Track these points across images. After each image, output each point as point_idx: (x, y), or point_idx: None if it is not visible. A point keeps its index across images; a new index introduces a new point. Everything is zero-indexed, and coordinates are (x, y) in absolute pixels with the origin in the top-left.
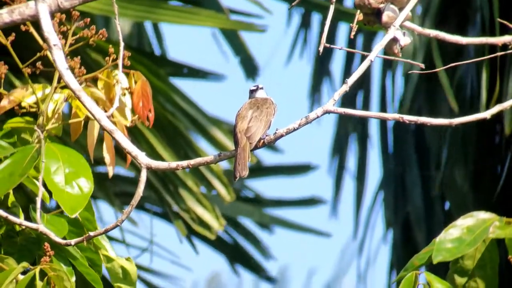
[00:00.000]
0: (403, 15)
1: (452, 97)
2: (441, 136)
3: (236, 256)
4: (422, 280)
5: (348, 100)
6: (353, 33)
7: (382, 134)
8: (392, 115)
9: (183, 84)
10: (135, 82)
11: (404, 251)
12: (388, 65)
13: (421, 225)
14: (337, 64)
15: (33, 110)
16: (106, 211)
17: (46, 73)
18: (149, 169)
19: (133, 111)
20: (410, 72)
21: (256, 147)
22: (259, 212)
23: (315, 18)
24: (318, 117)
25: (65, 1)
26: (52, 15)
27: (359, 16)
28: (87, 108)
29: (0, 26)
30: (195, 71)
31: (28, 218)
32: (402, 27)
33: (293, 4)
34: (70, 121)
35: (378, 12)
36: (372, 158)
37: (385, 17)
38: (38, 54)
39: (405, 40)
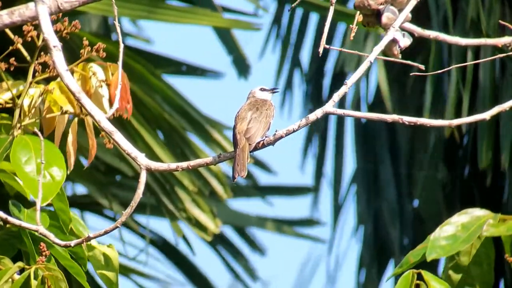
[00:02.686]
0: (403, 16)
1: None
2: (412, 133)
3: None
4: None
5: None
6: (352, 34)
7: (356, 131)
8: (391, 117)
9: (182, 82)
10: (112, 74)
11: (374, 248)
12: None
13: (394, 221)
14: (306, 54)
15: (9, 106)
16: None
17: (21, 68)
18: (149, 170)
19: (111, 103)
20: (412, 74)
21: (255, 148)
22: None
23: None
24: (317, 118)
25: (65, 3)
26: (56, 17)
27: (359, 17)
28: (87, 110)
29: (0, 27)
30: (194, 68)
31: (7, 212)
32: (401, 28)
33: (293, 5)
34: (48, 115)
35: (378, 14)
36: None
37: (384, 19)
38: (10, 48)
39: (404, 42)
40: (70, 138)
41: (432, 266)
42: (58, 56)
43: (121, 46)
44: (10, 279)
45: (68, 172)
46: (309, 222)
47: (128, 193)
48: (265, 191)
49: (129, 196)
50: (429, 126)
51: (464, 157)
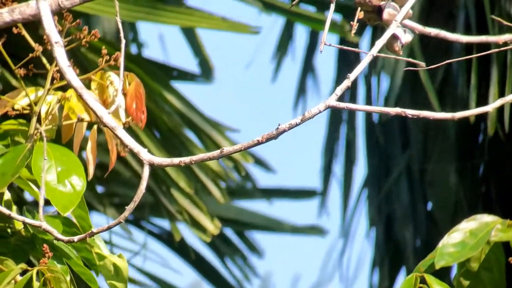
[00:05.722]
0: (404, 12)
1: (433, 95)
2: (425, 134)
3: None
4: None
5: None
6: (353, 32)
7: (367, 131)
8: (394, 110)
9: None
10: (129, 84)
11: (387, 250)
12: (373, 62)
13: (406, 223)
14: (320, 60)
15: (26, 112)
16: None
17: (40, 74)
18: (152, 165)
19: (126, 113)
20: (411, 69)
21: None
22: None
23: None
24: (320, 112)
25: (66, 1)
26: (53, 14)
27: (359, 14)
28: (89, 105)
29: (0, 25)
30: (184, 73)
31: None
32: (402, 24)
33: (293, 3)
34: (64, 123)
35: (379, 10)
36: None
37: (386, 15)
38: (30, 55)
39: (406, 38)
40: (89, 145)
41: (446, 276)
42: (59, 52)
43: (123, 48)
44: (12, 281)
45: (89, 179)
46: (314, 229)
47: (126, 190)
48: (267, 194)
49: (128, 193)
50: (432, 119)
51: (480, 157)
